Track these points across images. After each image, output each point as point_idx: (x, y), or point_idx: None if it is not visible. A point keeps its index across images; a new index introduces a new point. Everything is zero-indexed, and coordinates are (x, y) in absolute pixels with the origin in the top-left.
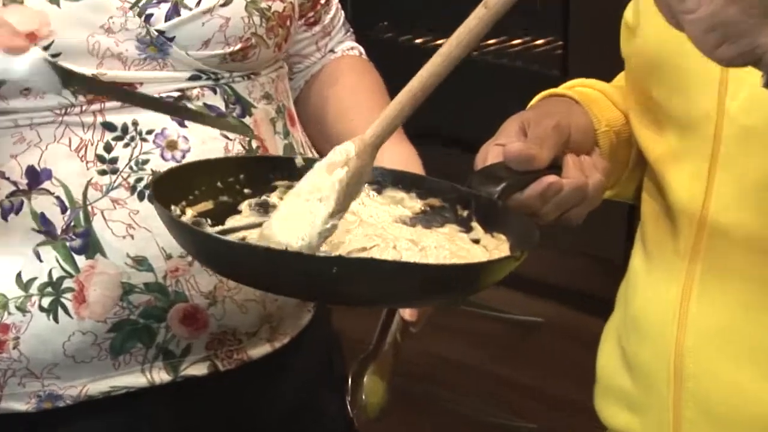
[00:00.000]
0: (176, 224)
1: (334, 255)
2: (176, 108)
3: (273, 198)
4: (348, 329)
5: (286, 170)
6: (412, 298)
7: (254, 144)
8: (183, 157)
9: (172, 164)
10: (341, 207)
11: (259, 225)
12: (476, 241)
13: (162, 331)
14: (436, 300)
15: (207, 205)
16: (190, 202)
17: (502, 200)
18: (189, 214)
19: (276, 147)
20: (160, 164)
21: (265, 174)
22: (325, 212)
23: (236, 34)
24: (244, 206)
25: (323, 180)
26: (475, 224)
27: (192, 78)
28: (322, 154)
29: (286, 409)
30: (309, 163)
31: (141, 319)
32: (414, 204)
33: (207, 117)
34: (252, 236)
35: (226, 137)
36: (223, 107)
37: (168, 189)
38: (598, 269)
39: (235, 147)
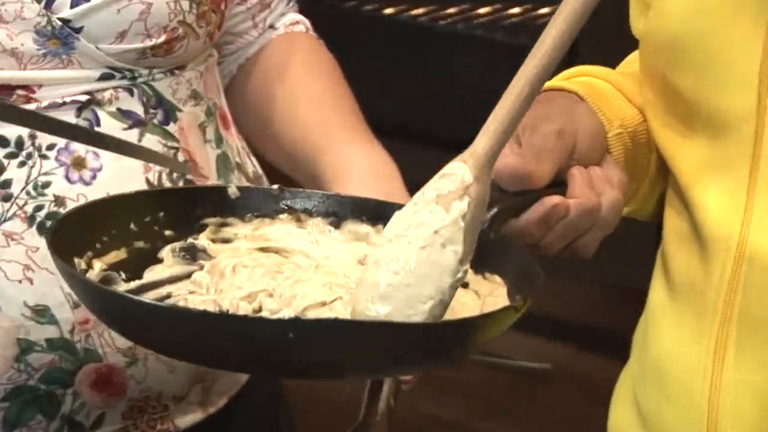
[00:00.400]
0: (80, 282)
1: (288, 316)
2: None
3: (202, 240)
4: (293, 382)
5: (217, 203)
6: (388, 367)
7: (180, 157)
8: (93, 177)
9: (80, 187)
10: (470, 248)
11: (187, 277)
12: (464, 285)
13: (68, 398)
14: (417, 366)
15: (119, 255)
16: (97, 251)
17: (495, 230)
18: (97, 268)
19: (207, 159)
20: (64, 188)
21: (190, 210)
22: (455, 259)
23: (160, 23)
24: (165, 253)
25: (438, 217)
26: None
27: (103, 77)
28: (263, 160)
29: None
30: (246, 194)
31: (42, 384)
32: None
33: (142, 151)
34: (180, 291)
35: None
36: (141, 112)
37: (70, 237)
38: (619, 301)
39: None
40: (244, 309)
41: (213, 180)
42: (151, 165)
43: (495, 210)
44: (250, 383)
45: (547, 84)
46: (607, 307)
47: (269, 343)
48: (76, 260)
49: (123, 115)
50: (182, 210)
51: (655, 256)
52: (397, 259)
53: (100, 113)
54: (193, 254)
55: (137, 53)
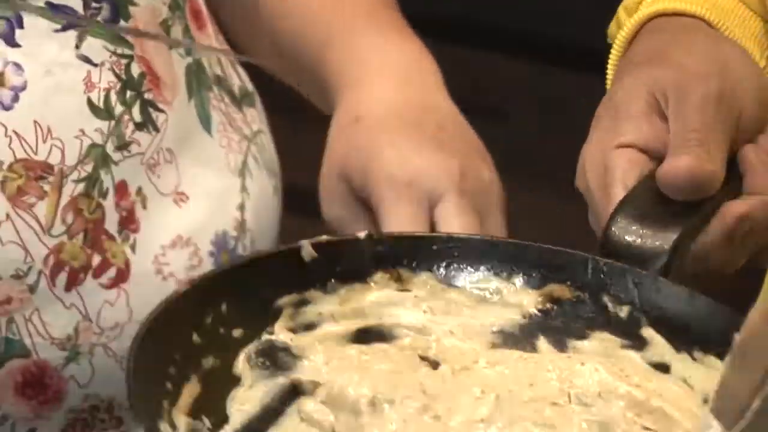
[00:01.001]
0: None
1: None
2: None
3: (279, 333)
4: None
5: (289, 274)
6: None
7: (135, 69)
8: (15, 99)
9: None
10: None
11: (282, 401)
12: (662, 368)
13: None
14: None
15: (193, 390)
16: (171, 395)
17: (685, 271)
18: (183, 426)
19: (172, 71)
20: None
21: (256, 291)
22: None
23: None
24: (241, 365)
25: None
26: (648, 331)
27: None
28: (254, 71)
29: None
30: (325, 251)
31: None
32: (522, 297)
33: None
34: None
35: (88, 61)
36: (79, 7)
37: (141, 390)
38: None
39: (103, 77)
40: None
41: (180, 100)
42: (94, 81)
43: (677, 234)
44: None
45: (661, 6)
46: (738, 296)
47: None
48: (161, 427)
49: (54, 10)
50: (247, 293)
51: None
52: None
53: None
54: (273, 358)
55: None
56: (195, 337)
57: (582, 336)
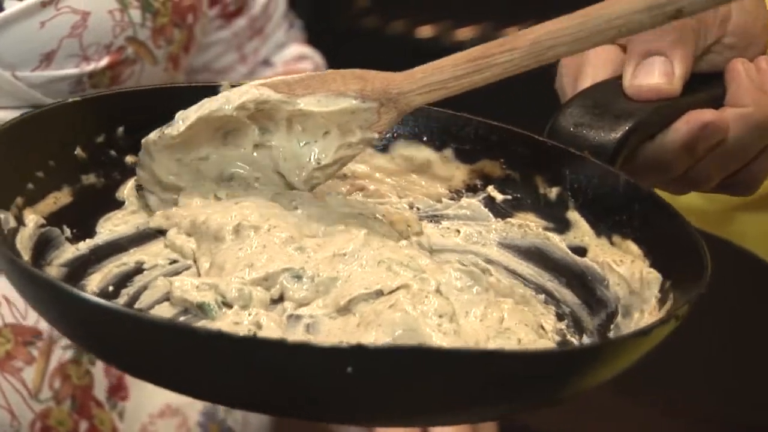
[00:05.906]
0: (23, 273)
1: (347, 343)
2: None
3: None
4: None
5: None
6: (471, 410)
7: None
8: None
9: None
10: None
11: (161, 232)
12: (580, 251)
13: None
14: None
15: (60, 198)
16: (29, 196)
17: (624, 163)
18: (31, 224)
19: None
20: None
21: (163, 123)
22: None
23: (100, 40)
24: (127, 191)
25: None
26: (573, 214)
27: None
28: None
29: None
30: None
31: None
32: (452, 172)
33: None
34: (157, 261)
35: None
36: None
37: None
38: None
39: None
40: (260, 299)
41: None
42: None
43: (627, 127)
44: None
45: None
46: None
47: (313, 381)
48: (1, 215)
49: None
50: (151, 122)
51: None
52: None
53: None
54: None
55: (71, 83)
56: (78, 151)
57: (506, 214)
